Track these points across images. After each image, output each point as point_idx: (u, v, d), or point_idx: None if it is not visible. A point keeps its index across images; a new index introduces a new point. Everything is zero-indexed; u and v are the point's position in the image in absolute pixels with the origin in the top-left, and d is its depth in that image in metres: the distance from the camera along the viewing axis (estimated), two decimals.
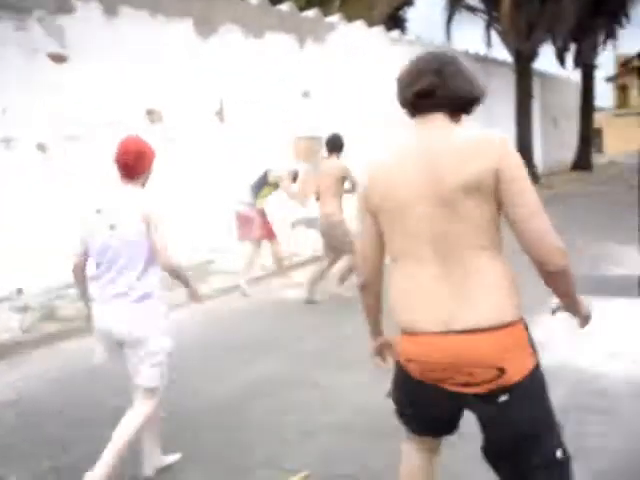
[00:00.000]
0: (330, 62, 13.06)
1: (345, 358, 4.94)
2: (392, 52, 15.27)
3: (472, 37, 23.75)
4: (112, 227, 3.04)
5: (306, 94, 12.49)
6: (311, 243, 9.52)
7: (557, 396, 2.39)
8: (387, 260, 2.03)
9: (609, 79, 45.63)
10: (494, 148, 1.79)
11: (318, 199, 6.69)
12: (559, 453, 1.83)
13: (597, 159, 28.42)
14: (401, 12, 26.44)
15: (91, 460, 3.05)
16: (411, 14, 25.59)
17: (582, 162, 24.47)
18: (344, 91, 13.38)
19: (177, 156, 9.58)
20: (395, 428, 3.62)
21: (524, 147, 19.52)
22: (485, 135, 1.84)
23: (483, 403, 1.82)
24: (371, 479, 3.12)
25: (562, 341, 4.53)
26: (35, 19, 7.85)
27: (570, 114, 26.52)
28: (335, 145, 6.90)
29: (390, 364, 2.18)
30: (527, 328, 1.84)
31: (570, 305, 1.94)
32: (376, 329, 2.21)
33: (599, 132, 37.21)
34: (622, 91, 45.80)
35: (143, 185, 3.23)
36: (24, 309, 6.94)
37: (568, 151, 25.25)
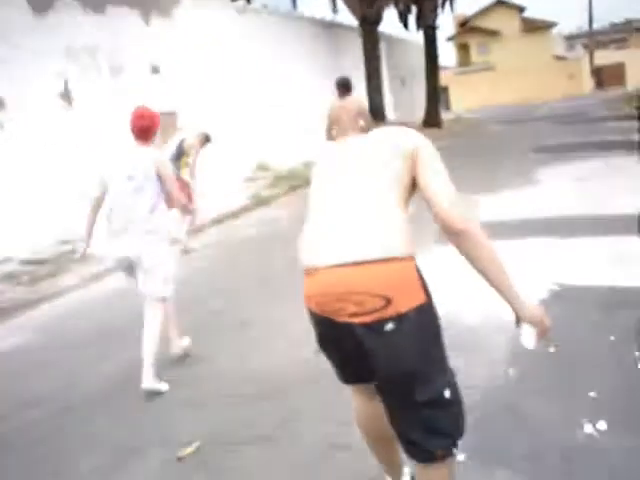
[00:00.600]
0: (177, 36, 12.73)
1: (220, 331, 5.00)
2: (239, 23, 15.14)
3: (318, 3, 23.97)
4: (130, 178, 3.93)
5: (155, 69, 12.12)
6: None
7: None
8: None
9: (449, 39, 48.07)
10: (414, 135, 2.15)
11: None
12: (447, 393, 1.94)
13: (446, 115, 29.98)
14: None
15: None
16: None
17: (431, 119, 25.63)
18: (194, 65, 13.12)
19: (22, 143, 9.02)
20: (280, 390, 3.77)
21: (375, 107, 20.13)
22: (406, 128, 2.20)
23: (371, 332, 1.89)
24: (262, 443, 3.20)
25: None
26: None
27: (418, 74, 27.68)
28: (348, 84, 6.93)
29: None
30: (419, 270, 1.95)
31: (510, 303, 1.96)
32: None
33: (445, 90, 39.12)
34: (463, 50, 48.34)
35: (152, 144, 4.11)
36: None
37: (419, 110, 26.40)
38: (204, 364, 4.34)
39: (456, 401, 1.99)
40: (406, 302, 1.87)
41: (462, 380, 2.11)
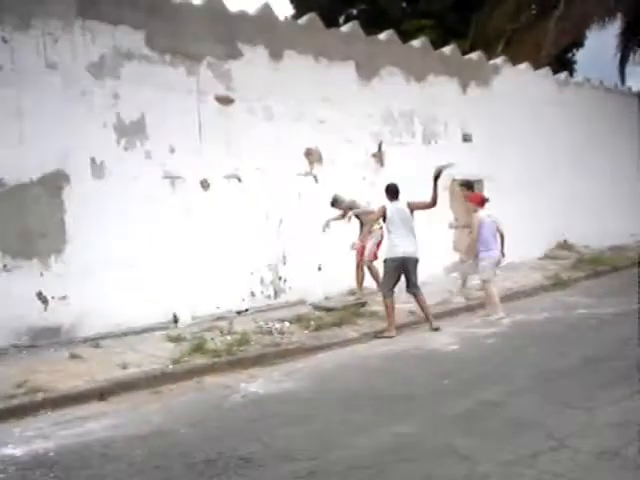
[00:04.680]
0: (494, 105, 12.59)
1: (492, 428, 4.43)
2: (557, 95, 14.47)
3: None
4: None
5: (467, 137, 12.10)
6: None
7: None
8: None
9: None
10: None
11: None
12: None
13: None
14: (569, 54, 25.12)
15: None
16: (580, 56, 24.06)
17: None
18: (507, 135, 12.81)
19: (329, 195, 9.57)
20: None
21: None
22: None
23: None
24: None
25: None
26: (205, 65, 8.28)
27: None
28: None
29: None
30: None
31: None
32: None
33: None
34: None
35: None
36: (177, 339, 7.13)
37: None
38: (462, 464, 3.82)
39: None
40: None
41: None
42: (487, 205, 8.68)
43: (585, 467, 3.73)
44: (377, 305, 8.76)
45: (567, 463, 3.79)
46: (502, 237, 8.52)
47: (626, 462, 3.76)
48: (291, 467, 3.86)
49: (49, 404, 5.27)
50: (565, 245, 14.01)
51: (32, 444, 4.44)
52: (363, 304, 8.85)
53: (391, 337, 7.48)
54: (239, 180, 8.65)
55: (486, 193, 11.50)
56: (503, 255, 8.57)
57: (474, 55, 12.79)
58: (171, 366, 6.21)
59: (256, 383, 5.85)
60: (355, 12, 27.28)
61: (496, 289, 8.47)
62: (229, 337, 7.18)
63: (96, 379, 5.75)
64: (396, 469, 3.78)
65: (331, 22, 12.62)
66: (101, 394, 5.55)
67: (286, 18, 10.24)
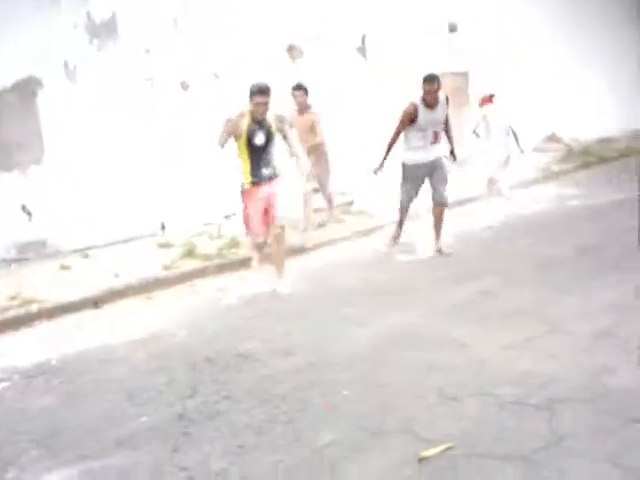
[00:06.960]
0: None
1: (489, 316, 4.47)
2: None
3: None
4: None
5: (453, 28, 11.64)
6: None
7: None
8: None
9: None
10: None
11: None
12: None
13: None
14: None
15: (215, 406, 3.23)
16: None
17: None
18: (494, 25, 12.29)
19: (319, 94, 9.26)
20: (546, 401, 3.19)
21: None
22: None
23: None
24: (525, 462, 2.69)
25: None
26: None
27: None
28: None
29: None
30: None
31: None
32: None
33: None
34: None
35: None
36: (166, 246, 7.08)
37: None
38: (461, 351, 3.90)
39: None
40: None
41: None
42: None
43: (580, 347, 3.81)
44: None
45: (562, 344, 3.87)
46: None
47: (619, 341, 3.84)
48: (290, 361, 3.91)
49: (45, 314, 5.28)
50: (554, 138, 13.84)
51: (32, 353, 4.45)
52: (351, 203, 8.73)
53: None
54: (218, 78, 8.29)
55: (471, 86, 11.32)
56: None
57: None
58: (163, 272, 6.20)
59: (249, 284, 5.84)
60: None
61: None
62: (218, 241, 7.14)
63: (89, 288, 5.73)
64: (396, 359, 3.83)
65: None
66: (95, 302, 5.56)
67: None
